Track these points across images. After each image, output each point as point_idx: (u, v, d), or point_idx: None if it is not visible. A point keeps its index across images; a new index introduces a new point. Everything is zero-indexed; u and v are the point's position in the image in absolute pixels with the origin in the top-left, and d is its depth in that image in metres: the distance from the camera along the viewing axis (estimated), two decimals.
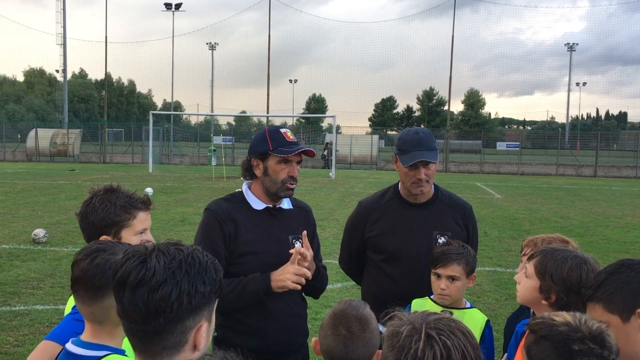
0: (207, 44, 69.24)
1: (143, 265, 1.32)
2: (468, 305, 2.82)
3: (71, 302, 2.01)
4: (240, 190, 2.84)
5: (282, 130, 2.72)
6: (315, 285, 2.82)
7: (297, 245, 2.72)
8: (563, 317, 1.42)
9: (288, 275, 2.54)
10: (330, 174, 29.80)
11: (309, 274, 2.57)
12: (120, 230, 2.19)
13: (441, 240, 2.97)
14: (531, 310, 2.62)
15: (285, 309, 2.69)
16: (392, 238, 3.00)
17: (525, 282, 2.14)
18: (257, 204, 2.74)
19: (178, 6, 55.18)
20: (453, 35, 42.35)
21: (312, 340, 1.95)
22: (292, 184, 2.71)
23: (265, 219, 2.73)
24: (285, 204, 2.82)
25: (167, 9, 55.27)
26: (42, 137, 40.44)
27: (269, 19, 45.42)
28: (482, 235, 11.83)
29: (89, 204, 2.23)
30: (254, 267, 2.60)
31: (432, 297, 2.82)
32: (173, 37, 52.56)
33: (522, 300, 2.21)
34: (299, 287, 2.56)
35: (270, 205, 2.76)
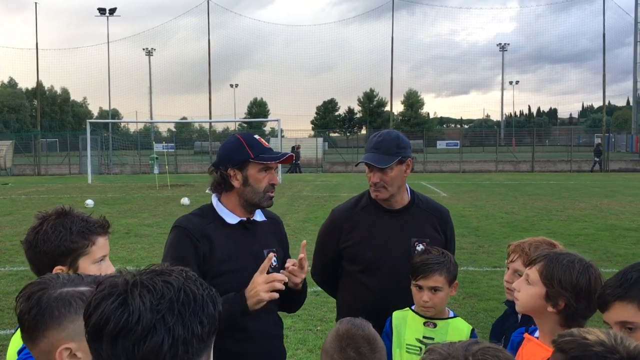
0: (143, 49, 67.73)
1: (124, 307, 1.05)
2: (451, 314, 2.71)
3: (16, 341, 1.75)
4: (209, 203, 2.62)
5: (256, 136, 2.56)
6: (300, 298, 2.68)
7: (274, 258, 2.56)
8: (596, 335, 1.30)
9: (259, 287, 2.32)
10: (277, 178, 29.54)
11: (281, 277, 2.35)
12: (77, 259, 1.93)
13: (419, 247, 2.86)
14: (519, 316, 2.53)
15: (264, 330, 2.51)
16: (368, 247, 2.87)
17: (528, 290, 2.02)
18: (231, 218, 2.55)
19: (112, 11, 53.60)
20: (393, 37, 42.96)
21: None
22: (272, 193, 2.55)
23: (240, 233, 2.55)
24: (258, 216, 2.65)
25: (101, 14, 53.61)
26: None
27: (208, 23, 44.80)
28: None
29: (38, 230, 1.95)
30: (230, 286, 2.39)
31: (413, 307, 2.70)
32: (108, 43, 51.00)
33: (523, 308, 2.09)
34: (276, 295, 2.34)
35: (245, 219, 2.57)
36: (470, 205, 17.40)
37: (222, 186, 2.56)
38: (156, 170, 30.14)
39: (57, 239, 1.92)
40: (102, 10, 53.60)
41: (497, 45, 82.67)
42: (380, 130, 2.94)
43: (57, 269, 1.86)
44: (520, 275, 2.18)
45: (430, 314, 2.64)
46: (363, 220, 2.92)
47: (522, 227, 12.99)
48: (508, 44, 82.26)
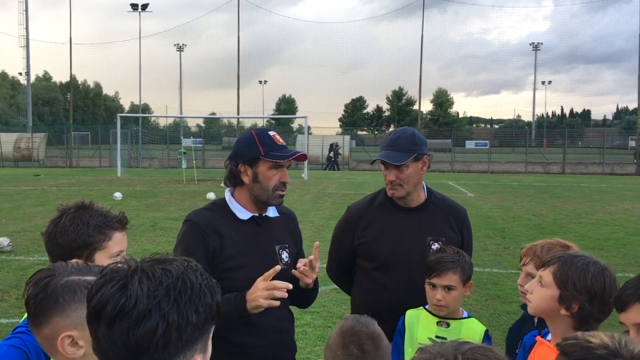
0: (174, 45, 68.41)
1: (123, 292, 1.08)
2: (465, 314, 2.69)
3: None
4: (222, 198, 2.64)
5: (271, 133, 2.54)
6: (311, 296, 2.67)
7: (285, 254, 2.56)
8: (600, 338, 1.27)
9: (259, 293, 2.30)
10: (303, 175, 29.60)
11: (282, 285, 2.31)
12: (93, 253, 1.96)
13: (435, 246, 2.83)
14: (535, 319, 2.48)
15: (272, 325, 2.51)
16: (383, 245, 2.86)
17: (541, 292, 1.99)
18: (243, 214, 2.55)
19: (145, 7, 54.32)
20: (422, 35, 42.65)
21: None
22: (283, 191, 2.54)
23: (251, 229, 2.54)
24: (271, 212, 2.64)
25: (134, 9, 54.38)
26: (5, 142, 39.34)
27: (238, 20, 45.09)
28: None
29: (57, 223, 1.98)
30: (240, 282, 2.39)
31: (427, 307, 2.68)
32: (140, 38, 51.74)
33: (536, 311, 2.06)
34: (276, 303, 2.31)
35: (257, 214, 2.57)
36: (497, 207, 17.20)
37: (233, 181, 2.57)
38: (184, 165, 30.51)
39: (74, 232, 1.95)
40: (134, 6, 54.36)
41: (530, 44, 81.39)
42: (398, 128, 2.91)
43: (73, 262, 1.90)
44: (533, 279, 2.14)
45: (443, 313, 2.61)
46: (378, 218, 2.91)
47: (549, 230, 12.78)
48: (541, 43, 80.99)
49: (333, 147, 37.91)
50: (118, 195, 18.03)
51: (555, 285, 1.95)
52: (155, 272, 1.11)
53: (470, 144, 59.46)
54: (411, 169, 2.78)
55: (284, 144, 2.53)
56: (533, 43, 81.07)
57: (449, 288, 2.57)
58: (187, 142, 41.77)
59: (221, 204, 2.60)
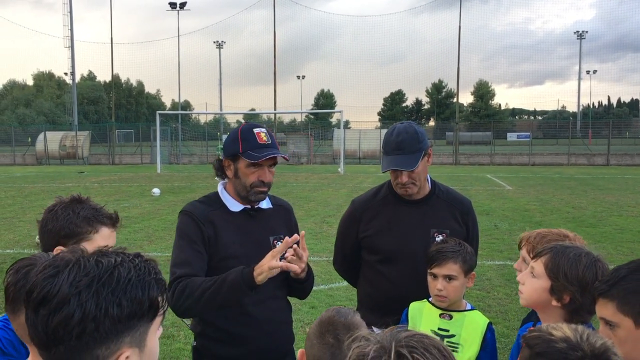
0: (214, 42, 69.33)
1: (52, 279, 1.10)
2: (468, 307, 2.66)
3: None
4: (215, 191, 2.68)
5: (256, 130, 2.54)
6: (306, 287, 2.67)
7: (279, 245, 2.57)
8: (562, 331, 1.24)
9: (265, 261, 2.31)
10: (339, 169, 29.63)
11: (292, 267, 2.33)
12: (79, 243, 2.01)
13: (439, 238, 2.81)
14: None
15: (268, 315, 2.53)
16: (387, 237, 2.85)
17: (533, 283, 1.96)
18: (234, 206, 2.59)
19: (183, 5, 55.15)
20: (460, 26, 42.01)
21: (298, 352, 1.78)
22: (262, 188, 2.55)
23: (244, 220, 2.58)
24: (264, 203, 2.67)
25: (172, 8, 55.28)
26: (51, 140, 40.62)
27: (274, 15, 45.33)
28: (492, 228, 11.65)
29: (51, 210, 2.07)
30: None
31: (430, 299, 2.66)
32: (178, 36, 52.65)
33: (527, 302, 2.03)
34: (279, 268, 2.30)
35: (249, 207, 2.61)
36: (535, 199, 16.86)
37: (220, 174, 2.62)
38: None
39: (63, 220, 2.02)
40: (172, 5, 55.27)
41: (575, 33, 79.34)
42: (395, 125, 2.86)
43: (58, 249, 1.96)
44: (527, 264, 2.11)
45: (445, 305, 2.59)
46: (382, 211, 2.90)
47: (588, 223, 12.47)
48: (586, 32, 78.87)
49: None
50: (156, 191, 18.40)
51: (547, 276, 1.92)
52: (87, 263, 1.13)
53: (512, 136, 58.43)
54: (421, 166, 2.78)
55: (267, 142, 2.50)
56: (578, 31, 78.98)
57: (449, 278, 2.55)
58: (226, 138, 42.35)
59: (214, 196, 2.65)
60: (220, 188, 2.65)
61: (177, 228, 2.59)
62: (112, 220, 2.11)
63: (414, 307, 2.69)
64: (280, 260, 2.35)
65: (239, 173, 2.54)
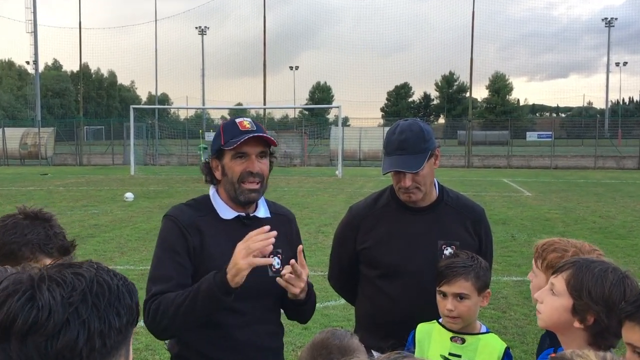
0: (196, 28, 69.31)
1: (32, 303, 1.09)
2: (483, 329, 2.66)
3: None
4: (206, 194, 2.68)
5: (239, 120, 2.57)
6: (306, 310, 2.67)
7: (276, 261, 2.56)
8: (588, 358, 1.25)
9: (236, 255, 2.27)
10: (337, 172, 29.65)
11: (261, 245, 2.26)
12: (17, 265, 2.01)
13: (448, 251, 2.82)
14: None
15: (254, 341, 2.52)
16: (389, 250, 2.85)
17: (552, 301, 1.96)
18: (226, 212, 2.58)
19: None
20: (473, 12, 42.15)
21: None
22: (252, 182, 2.52)
23: (236, 230, 2.55)
24: (262, 211, 2.65)
25: None
26: (11, 138, 40.50)
27: None
28: (509, 240, 11.69)
29: (2, 221, 2.05)
30: None
31: (440, 320, 2.66)
32: (156, 20, 52.58)
33: (546, 323, 2.03)
34: (259, 260, 2.26)
35: (243, 214, 2.59)
36: (557, 207, 16.91)
37: (210, 178, 2.62)
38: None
39: (6, 237, 1.99)
40: None
41: (603, 20, 79.57)
42: (398, 122, 2.87)
43: None
44: (536, 275, 2.13)
45: (457, 327, 2.59)
46: (383, 219, 2.90)
47: (617, 234, 12.52)
48: (616, 19, 79.07)
49: None
50: (129, 195, 18.39)
51: (568, 294, 1.92)
52: (66, 278, 1.13)
53: (531, 136, 58.50)
54: (426, 169, 2.78)
55: (251, 128, 2.51)
56: (606, 19, 79.23)
57: (460, 297, 2.55)
58: (209, 136, 42.29)
59: (204, 200, 2.64)
60: (212, 191, 2.64)
61: (158, 235, 2.59)
62: (62, 252, 2.06)
63: (422, 329, 2.70)
64: (272, 279, 2.34)
65: (226, 169, 2.54)
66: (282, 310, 2.72)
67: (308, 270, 2.47)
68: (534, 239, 11.65)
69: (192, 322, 2.37)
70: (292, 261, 2.38)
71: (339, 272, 3.14)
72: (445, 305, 2.57)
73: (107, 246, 11.10)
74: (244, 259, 2.25)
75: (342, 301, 6.72)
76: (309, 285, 2.58)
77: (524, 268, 9.42)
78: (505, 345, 2.64)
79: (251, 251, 2.25)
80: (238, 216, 2.59)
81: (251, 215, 2.61)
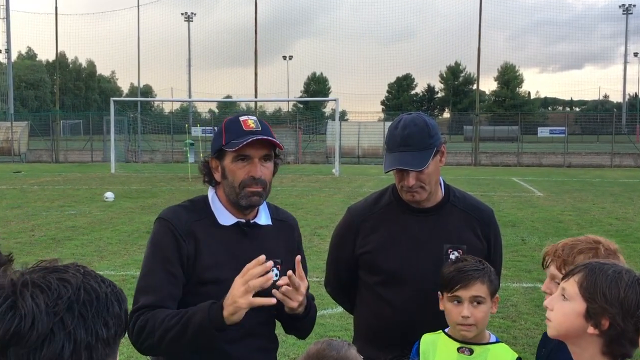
0: (182, 14, 69.34)
1: (14, 311, 1.08)
2: (493, 339, 2.66)
3: None
4: (204, 195, 2.66)
5: (243, 118, 2.53)
6: (305, 324, 2.66)
7: (274, 271, 2.55)
8: None
9: (234, 292, 2.25)
10: (334, 170, 29.68)
11: (259, 270, 2.24)
12: None
13: (454, 255, 2.82)
14: None
15: (245, 356, 2.51)
16: (390, 254, 2.85)
17: (564, 307, 1.96)
18: (225, 218, 2.56)
19: None
20: None
21: None
22: (255, 188, 2.49)
23: (235, 238, 2.55)
24: (263, 217, 2.64)
25: None
26: None
27: None
28: (519, 243, 11.71)
29: None
30: (216, 298, 2.38)
31: (446, 330, 2.67)
32: (138, 5, 52.54)
33: (558, 331, 2.03)
34: (259, 301, 2.24)
35: (242, 220, 2.58)
36: (571, 208, 16.97)
37: (208, 179, 2.60)
38: (191, 159, 30.88)
39: None
40: None
41: (620, 7, 79.84)
42: (401, 116, 2.86)
43: None
44: (559, 283, 2.12)
45: (471, 335, 2.59)
46: (384, 221, 2.90)
47: (635, 237, 12.57)
48: (634, 6, 79.28)
49: None
50: (109, 195, 18.35)
51: (581, 297, 1.92)
52: (51, 284, 1.12)
53: (543, 131, 58.82)
54: (432, 166, 2.77)
55: (256, 128, 2.48)
56: (624, 5, 79.50)
57: (478, 301, 2.55)
58: (195, 131, 42.28)
59: (201, 202, 2.62)
60: (211, 193, 2.62)
61: (150, 239, 2.57)
62: None
63: (427, 339, 2.70)
64: (271, 289, 2.33)
65: (226, 172, 2.51)
66: (280, 322, 2.72)
67: (307, 283, 2.46)
68: (546, 243, 11.63)
69: (179, 349, 2.36)
70: (290, 273, 2.37)
71: (336, 278, 3.14)
72: (460, 311, 2.56)
73: (85, 250, 11.08)
74: (243, 297, 2.23)
75: (340, 309, 6.73)
76: (309, 298, 2.58)
77: (534, 274, 9.45)
78: (517, 356, 2.64)
79: (251, 289, 2.23)
80: (237, 223, 2.57)
81: (251, 222, 2.60)
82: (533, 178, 27.80)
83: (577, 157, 38.86)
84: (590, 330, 1.91)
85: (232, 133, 2.49)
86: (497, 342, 2.67)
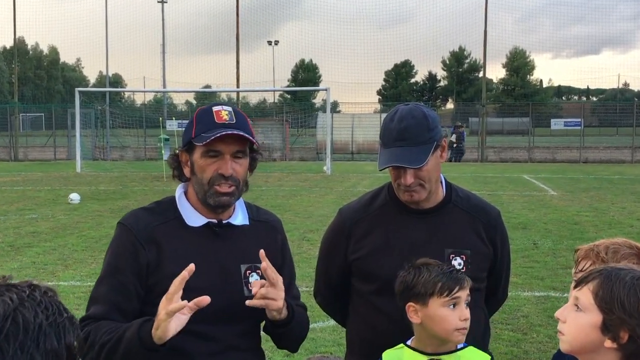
0: None
1: None
2: (460, 344, 2.67)
3: None
4: (171, 196, 2.66)
5: (216, 108, 2.53)
6: (293, 331, 2.65)
7: (254, 277, 2.55)
8: None
9: (160, 311, 2.23)
10: (325, 168, 29.69)
11: (174, 290, 2.21)
12: None
13: (457, 261, 2.83)
14: None
15: None
16: (386, 260, 2.85)
17: (578, 319, 1.96)
18: (194, 218, 2.57)
19: None
20: None
21: None
22: (224, 187, 2.49)
23: (205, 240, 2.55)
24: (239, 217, 2.65)
25: None
26: None
27: None
28: (530, 248, 11.76)
29: None
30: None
31: (408, 342, 2.68)
32: None
33: (572, 346, 2.03)
34: (173, 307, 2.20)
35: (214, 221, 2.58)
36: (588, 209, 17.04)
37: (178, 174, 2.61)
38: (166, 156, 30.76)
39: None
40: None
41: None
42: (397, 107, 2.86)
43: None
44: None
45: (463, 340, 2.61)
46: (380, 224, 2.91)
47: None
48: None
49: (457, 129, 37.78)
50: (75, 197, 18.27)
51: (597, 308, 1.92)
52: None
53: (557, 124, 58.89)
54: (431, 162, 2.77)
55: (229, 121, 2.48)
56: None
57: (467, 302, 2.59)
58: (170, 125, 42.17)
59: (167, 203, 2.63)
60: (179, 192, 2.63)
61: (109, 246, 2.60)
62: None
63: (390, 356, 2.71)
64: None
65: (195, 167, 2.52)
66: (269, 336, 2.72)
67: (282, 285, 2.43)
68: (560, 247, 11.82)
69: None
70: (263, 265, 2.36)
71: (327, 288, 3.15)
72: (461, 314, 2.55)
73: (47, 258, 11.03)
74: (164, 307, 2.21)
75: (332, 322, 6.73)
76: (293, 309, 2.57)
77: (548, 281, 9.49)
78: (489, 357, 2.69)
79: (170, 296, 2.22)
80: (208, 223, 2.57)
81: (224, 222, 2.60)
82: (546, 175, 27.90)
83: (595, 151, 39.04)
84: (608, 344, 1.91)
85: (203, 125, 2.49)
86: (465, 346, 2.69)
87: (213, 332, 2.47)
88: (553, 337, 7.20)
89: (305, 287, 8.71)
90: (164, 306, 2.22)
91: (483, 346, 3.02)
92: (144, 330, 2.26)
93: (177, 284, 2.22)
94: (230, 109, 2.55)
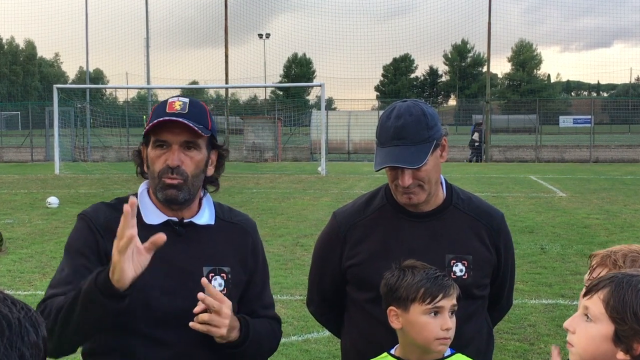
0: None
1: None
2: (448, 352, 2.69)
3: None
4: (135, 192, 2.66)
5: (172, 99, 2.58)
6: (245, 353, 2.58)
7: (217, 281, 2.56)
8: None
9: (115, 256, 2.21)
10: (319, 168, 29.69)
11: (122, 228, 2.21)
12: None
13: (458, 267, 2.84)
14: None
15: None
16: (383, 267, 2.84)
17: (588, 329, 1.97)
18: (153, 216, 2.58)
19: None
20: None
21: None
22: (171, 179, 2.49)
23: (166, 239, 2.54)
24: (205, 216, 2.65)
25: None
26: None
27: None
28: (538, 253, 11.77)
29: None
30: (138, 309, 2.40)
31: (392, 351, 2.69)
32: None
33: (582, 358, 2.02)
34: (123, 243, 2.18)
35: (174, 219, 2.59)
36: (599, 211, 17.06)
37: (140, 170, 2.65)
38: None
39: None
40: None
41: None
42: (395, 104, 2.87)
43: None
44: None
45: (446, 349, 2.62)
46: (376, 228, 2.92)
47: None
48: None
49: (478, 128, 37.84)
50: (53, 200, 18.23)
51: (608, 318, 1.92)
52: None
53: (565, 121, 59.00)
54: (430, 162, 2.77)
55: (180, 111, 2.51)
56: None
57: (452, 311, 2.60)
58: None
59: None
60: (141, 188, 2.66)
61: (69, 236, 2.63)
62: None
63: None
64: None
65: (149, 160, 2.57)
66: None
67: (229, 302, 2.41)
68: (570, 252, 11.85)
69: (74, 333, 2.32)
70: (200, 295, 2.35)
71: (321, 296, 3.15)
72: (442, 323, 2.57)
73: (24, 265, 11.01)
74: (116, 247, 2.21)
75: (327, 333, 6.73)
76: (248, 325, 2.54)
77: (556, 288, 9.50)
78: None
79: (120, 233, 2.21)
80: (168, 221, 2.58)
81: (186, 221, 2.61)
82: (554, 176, 27.92)
83: (606, 151, 39.12)
84: (620, 356, 1.91)
85: (155, 116, 2.53)
86: (452, 354, 2.70)
87: (168, 337, 2.47)
88: (562, 348, 7.19)
89: (299, 295, 8.73)
90: (115, 246, 2.21)
91: (486, 357, 3.03)
92: (100, 278, 2.23)
93: (125, 218, 2.21)
94: (187, 100, 2.59)
